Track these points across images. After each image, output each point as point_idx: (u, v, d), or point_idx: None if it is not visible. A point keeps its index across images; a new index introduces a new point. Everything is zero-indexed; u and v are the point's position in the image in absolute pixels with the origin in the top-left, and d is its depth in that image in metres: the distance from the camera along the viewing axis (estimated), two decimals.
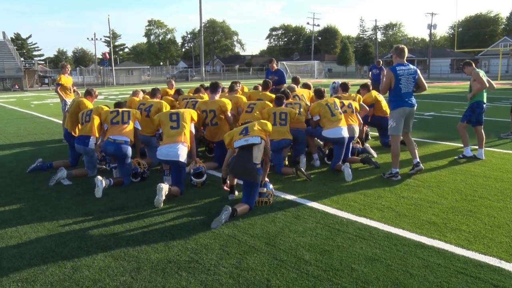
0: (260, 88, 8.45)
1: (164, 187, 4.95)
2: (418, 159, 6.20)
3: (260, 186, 4.98)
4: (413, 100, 6.08)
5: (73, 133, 6.88)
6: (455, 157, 7.19)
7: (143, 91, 8.47)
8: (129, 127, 6.02)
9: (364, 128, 8.63)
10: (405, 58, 6.01)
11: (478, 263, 3.46)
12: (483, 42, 71.30)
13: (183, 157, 5.39)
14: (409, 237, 4.00)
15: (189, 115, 5.86)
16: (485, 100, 7.21)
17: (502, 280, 3.18)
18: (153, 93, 7.50)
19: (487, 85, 7.15)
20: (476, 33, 74.46)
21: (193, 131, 5.97)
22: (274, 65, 10.66)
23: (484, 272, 3.31)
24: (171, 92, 9.26)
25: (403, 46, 6.05)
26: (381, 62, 15.56)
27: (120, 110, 6.21)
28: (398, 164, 6.04)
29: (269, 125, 5.20)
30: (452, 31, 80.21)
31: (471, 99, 7.23)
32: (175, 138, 5.51)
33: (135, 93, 8.06)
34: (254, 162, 4.74)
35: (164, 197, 4.96)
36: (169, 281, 3.29)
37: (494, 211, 4.63)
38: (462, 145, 7.53)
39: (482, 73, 7.20)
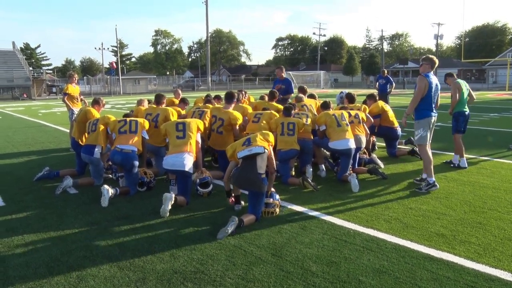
0: (266, 98, 8.46)
1: (170, 197, 4.94)
2: (434, 179, 6.12)
3: (267, 197, 4.96)
4: (436, 110, 6.11)
5: (80, 142, 6.90)
6: (450, 164, 7.38)
7: (149, 101, 8.47)
8: (137, 136, 6.03)
9: (371, 138, 8.59)
10: (433, 69, 6.02)
11: (488, 276, 3.40)
12: (490, 52, 71.12)
13: (189, 166, 5.39)
14: (417, 249, 3.95)
15: (195, 125, 5.86)
16: (465, 109, 7.44)
17: None
18: (158, 100, 7.49)
19: (457, 98, 7.37)
20: (483, 43, 74.32)
21: (199, 141, 5.96)
22: (282, 74, 10.31)
23: (495, 286, 3.25)
24: (177, 101, 9.28)
25: (436, 58, 6.05)
26: (386, 71, 15.52)
27: (128, 119, 6.24)
28: (433, 173, 5.96)
29: (271, 136, 5.20)
30: (459, 41, 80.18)
31: (453, 110, 7.45)
32: (181, 148, 5.51)
33: (140, 102, 8.08)
34: (259, 172, 4.73)
35: (170, 207, 4.95)
36: None
37: (504, 223, 4.57)
38: (471, 156, 7.61)
39: (463, 84, 7.45)
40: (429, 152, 6.13)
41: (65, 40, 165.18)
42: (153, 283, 3.41)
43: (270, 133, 5.28)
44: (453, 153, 7.50)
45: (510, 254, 3.81)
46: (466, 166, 7.18)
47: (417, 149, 7.90)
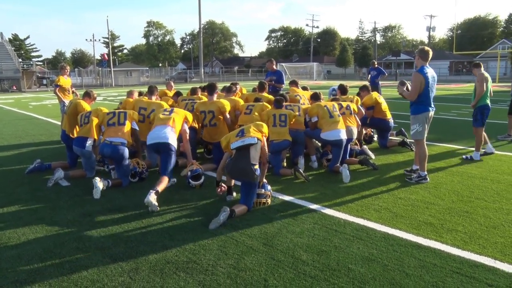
0: (257, 90, 8.48)
1: (153, 196, 4.88)
2: (418, 167, 6.19)
3: (258, 187, 5.01)
4: (433, 104, 6.00)
5: (70, 135, 6.88)
6: (463, 157, 7.33)
7: (140, 93, 8.45)
8: (126, 128, 6.02)
9: (368, 131, 8.67)
10: (428, 61, 5.83)
11: (473, 263, 3.49)
12: (481, 44, 71.44)
13: (172, 139, 5.48)
14: (406, 237, 4.03)
15: (184, 114, 6.03)
16: (489, 102, 7.40)
17: (496, 280, 3.21)
18: (151, 91, 7.48)
19: (484, 89, 7.33)
20: (475, 36, 74.66)
21: (187, 130, 6.00)
22: (273, 66, 10.54)
23: (479, 272, 3.34)
24: (170, 93, 9.27)
25: (428, 48, 5.91)
26: (376, 62, 15.59)
27: (117, 111, 6.24)
28: (426, 167, 5.99)
29: (265, 127, 5.24)
30: (451, 33, 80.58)
31: (477, 103, 7.38)
32: (164, 121, 5.67)
33: (130, 94, 8.03)
34: (252, 163, 4.77)
35: (156, 203, 4.89)
36: (167, 281, 3.31)
37: (490, 212, 4.67)
38: (460, 147, 7.68)
39: (489, 77, 7.39)
40: (426, 147, 6.07)
41: (55, 31, 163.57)
42: (146, 273, 3.45)
43: (264, 124, 5.32)
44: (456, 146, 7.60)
45: (494, 241, 3.91)
46: (479, 158, 7.15)
47: (407, 140, 8.02)
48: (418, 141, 6.01)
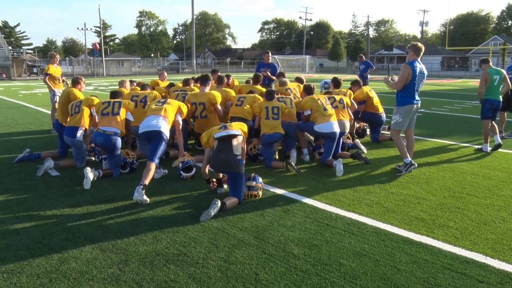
0: (251, 82, 8.42)
1: (141, 192, 4.75)
2: (410, 159, 6.20)
3: (249, 180, 4.99)
4: (419, 97, 6.16)
5: (64, 124, 6.79)
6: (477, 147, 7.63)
7: (131, 82, 8.40)
8: (120, 118, 5.95)
9: (361, 124, 8.66)
10: (420, 56, 6.02)
11: (464, 259, 3.50)
12: (473, 40, 71.91)
13: (164, 128, 5.46)
14: (397, 232, 4.03)
15: (177, 105, 5.97)
16: (493, 97, 7.64)
17: (487, 276, 3.22)
18: (143, 88, 7.54)
19: (480, 90, 7.78)
20: (467, 31, 75.11)
21: (180, 121, 5.95)
22: (269, 58, 10.50)
23: (470, 268, 3.35)
24: (162, 84, 9.19)
25: (421, 44, 6.08)
26: (363, 56, 15.61)
27: (112, 101, 6.15)
28: (407, 154, 6.08)
29: (246, 127, 5.26)
30: (444, 28, 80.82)
31: (482, 97, 7.79)
32: (156, 112, 5.65)
33: (122, 83, 7.98)
34: (235, 153, 4.75)
35: (145, 196, 4.79)
36: (157, 273, 3.28)
37: (481, 208, 4.68)
38: (452, 142, 7.75)
39: (493, 73, 7.61)
40: (413, 138, 6.26)
41: (47, 19, 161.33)
42: (136, 265, 3.42)
43: (245, 125, 5.33)
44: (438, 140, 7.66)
45: (485, 237, 3.92)
46: (488, 150, 7.49)
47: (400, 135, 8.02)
48: (394, 131, 6.19)
